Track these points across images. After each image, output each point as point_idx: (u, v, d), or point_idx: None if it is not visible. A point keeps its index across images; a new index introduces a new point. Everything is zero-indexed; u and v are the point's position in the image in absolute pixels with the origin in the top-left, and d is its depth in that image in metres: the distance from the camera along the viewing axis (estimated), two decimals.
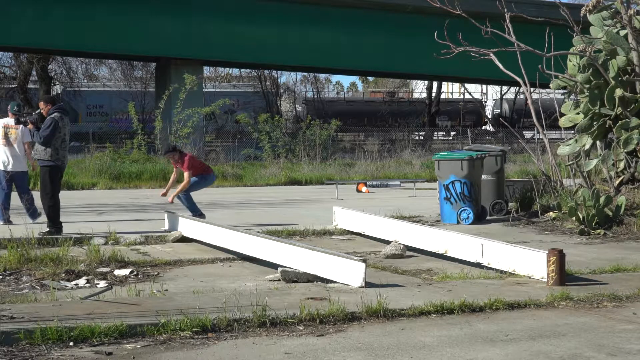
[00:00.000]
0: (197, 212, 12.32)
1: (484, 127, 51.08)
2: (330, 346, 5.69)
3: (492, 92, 56.39)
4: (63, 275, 8.28)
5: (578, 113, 13.34)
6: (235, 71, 55.10)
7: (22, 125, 12.37)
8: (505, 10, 13.25)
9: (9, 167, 12.57)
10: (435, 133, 50.13)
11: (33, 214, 12.31)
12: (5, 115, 13.11)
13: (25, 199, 12.53)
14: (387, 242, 10.34)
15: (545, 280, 7.72)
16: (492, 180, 13.59)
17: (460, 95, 57.74)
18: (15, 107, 12.79)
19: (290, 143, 31.44)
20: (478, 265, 8.88)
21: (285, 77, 58.89)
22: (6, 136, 12.61)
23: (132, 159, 25.53)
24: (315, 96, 50.28)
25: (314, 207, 15.77)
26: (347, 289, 7.34)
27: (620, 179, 12.97)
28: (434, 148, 37.08)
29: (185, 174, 12.28)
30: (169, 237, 10.90)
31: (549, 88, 14.31)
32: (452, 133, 49.29)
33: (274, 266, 8.48)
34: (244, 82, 51.89)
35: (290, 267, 8.19)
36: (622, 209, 12.09)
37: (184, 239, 10.76)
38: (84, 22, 30.39)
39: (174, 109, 28.26)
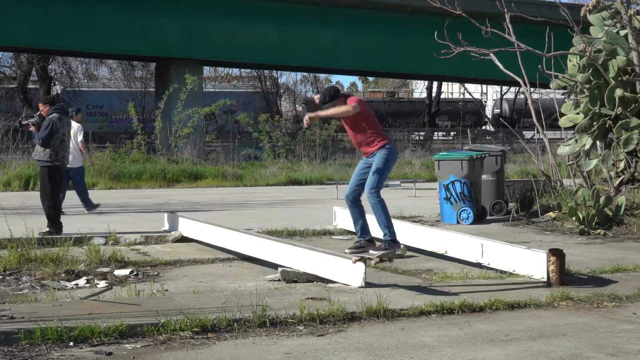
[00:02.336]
0: None
1: (484, 127, 51.07)
2: (330, 346, 5.69)
3: (492, 92, 56.39)
4: (63, 275, 8.28)
5: (578, 113, 13.34)
6: (235, 71, 55.14)
7: (75, 125, 14.20)
8: (505, 10, 13.24)
9: (70, 165, 13.52)
10: (435, 133, 50.12)
11: (87, 206, 14.23)
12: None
13: (79, 193, 14.27)
14: None
15: (545, 280, 7.71)
16: (492, 180, 13.59)
17: (460, 95, 57.74)
18: (75, 109, 14.83)
19: (290, 143, 31.45)
20: (478, 265, 8.88)
21: (285, 77, 58.97)
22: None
23: (132, 159, 25.53)
24: None
25: (314, 207, 15.77)
26: (347, 289, 7.34)
27: (620, 179, 12.97)
28: (434, 148, 37.09)
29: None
30: (169, 237, 10.90)
31: (549, 88, 14.30)
32: (452, 133, 49.28)
33: (274, 266, 8.48)
34: (244, 82, 51.87)
35: (290, 267, 8.19)
36: (622, 209, 12.09)
37: (184, 239, 10.76)
38: (84, 22, 30.39)
39: (174, 109, 28.27)
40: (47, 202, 11.05)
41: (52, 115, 11.10)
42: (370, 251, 7.34)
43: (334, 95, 7.76)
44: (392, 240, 7.44)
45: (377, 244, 8.13)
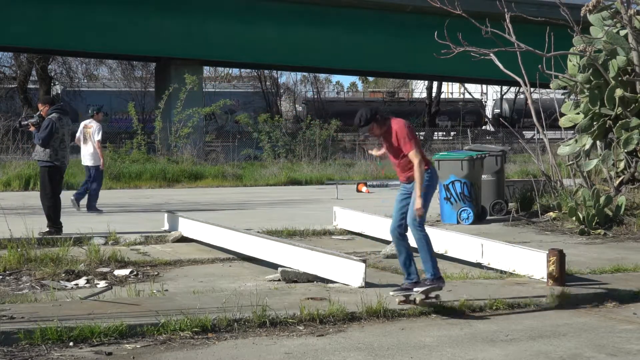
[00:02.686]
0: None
1: (484, 127, 51.05)
2: (330, 346, 5.69)
3: (492, 92, 56.36)
4: (63, 275, 8.28)
5: (578, 113, 13.34)
6: (235, 71, 55.12)
7: (95, 124, 14.64)
8: (505, 10, 13.24)
9: (85, 163, 14.77)
10: (435, 133, 50.11)
11: (91, 206, 14.32)
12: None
13: (93, 191, 14.53)
14: (387, 242, 10.32)
15: (546, 280, 7.71)
16: (492, 180, 13.58)
17: (460, 95, 57.72)
18: (96, 109, 15.30)
19: (290, 143, 31.44)
20: (478, 265, 8.88)
21: (285, 77, 58.91)
22: (84, 135, 14.72)
23: (132, 159, 25.51)
24: (315, 96, 50.28)
25: (314, 207, 15.77)
26: (347, 289, 7.34)
27: (620, 179, 12.97)
28: (434, 148, 37.07)
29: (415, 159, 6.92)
30: (169, 237, 10.89)
31: (549, 88, 14.30)
32: (452, 133, 49.27)
33: (274, 266, 8.48)
34: (244, 82, 51.86)
35: (290, 267, 8.19)
36: (622, 209, 12.09)
37: (184, 239, 10.75)
38: (84, 22, 30.37)
39: (174, 109, 28.25)
40: (47, 202, 11.05)
41: (52, 115, 11.10)
42: (415, 289, 6.72)
43: (370, 119, 6.90)
44: (436, 278, 6.74)
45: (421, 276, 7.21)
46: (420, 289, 6.71)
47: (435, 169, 7.23)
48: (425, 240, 6.82)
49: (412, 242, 6.99)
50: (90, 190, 14.53)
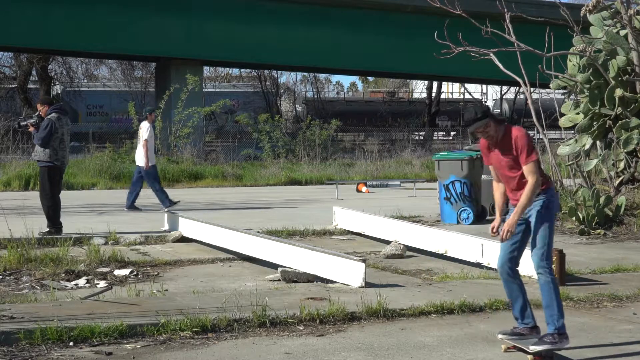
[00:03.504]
0: None
1: None
2: (330, 346, 5.69)
3: (492, 92, 56.38)
4: (63, 275, 8.28)
5: (578, 113, 13.33)
6: (235, 71, 55.12)
7: (144, 124, 14.96)
8: (505, 10, 13.24)
9: (137, 162, 15.10)
10: (435, 133, 50.12)
11: (164, 202, 14.63)
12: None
13: (154, 190, 14.95)
14: (387, 242, 10.34)
15: None
16: (492, 180, 13.57)
17: (460, 95, 57.73)
18: (149, 110, 15.81)
19: (290, 143, 31.44)
20: (478, 265, 8.88)
21: (285, 77, 58.94)
22: (138, 136, 15.39)
23: (132, 159, 25.49)
24: (315, 96, 50.28)
25: (314, 207, 15.77)
26: (347, 289, 7.34)
27: (620, 179, 12.97)
28: (434, 148, 37.09)
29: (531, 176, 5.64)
30: (169, 237, 10.89)
31: (549, 88, 14.30)
32: (452, 133, 49.27)
33: (274, 266, 8.48)
34: (244, 82, 51.88)
35: (290, 267, 8.20)
36: (622, 209, 12.09)
37: (184, 239, 10.76)
38: (84, 22, 30.38)
39: (174, 109, 28.25)
40: (46, 202, 11.04)
41: (51, 115, 11.10)
42: (531, 347, 5.40)
43: (487, 113, 5.62)
44: (560, 333, 5.42)
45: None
46: (540, 348, 5.41)
47: (554, 190, 5.80)
48: (553, 284, 5.56)
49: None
50: (156, 191, 14.91)
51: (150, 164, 14.81)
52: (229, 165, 26.56)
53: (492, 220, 5.90)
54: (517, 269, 5.75)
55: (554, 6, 14.69)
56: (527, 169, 5.51)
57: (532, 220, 5.59)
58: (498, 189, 5.88)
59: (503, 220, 5.72)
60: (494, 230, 5.74)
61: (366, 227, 11.36)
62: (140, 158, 14.87)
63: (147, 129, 14.90)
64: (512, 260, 5.74)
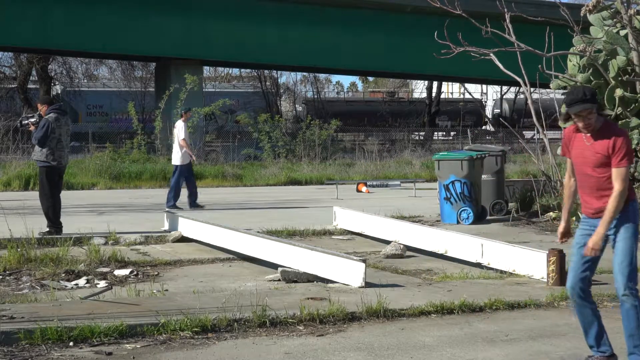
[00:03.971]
0: None
1: (484, 127, 51.03)
2: (330, 346, 5.69)
3: (492, 92, 56.35)
4: (63, 275, 8.28)
5: None
6: (235, 71, 55.12)
7: (179, 123, 15.20)
8: (505, 10, 13.24)
9: (173, 162, 15.32)
10: (435, 133, 50.10)
11: (192, 203, 15.01)
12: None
13: (188, 189, 15.10)
14: (387, 242, 10.34)
15: (545, 280, 7.72)
16: (492, 180, 13.59)
17: (460, 95, 57.71)
18: (185, 109, 15.96)
19: (290, 143, 31.44)
20: (478, 265, 8.88)
21: (285, 77, 58.92)
22: (174, 136, 15.41)
23: (132, 159, 25.52)
24: (315, 96, 50.26)
25: (314, 207, 15.77)
26: (347, 289, 7.34)
27: None
28: (434, 148, 37.06)
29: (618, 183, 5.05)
30: (169, 237, 10.89)
31: (549, 88, 14.29)
32: (452, 133, 49.26)
33: (274, 266, 8.48)
34: (244, 82, 51.85)
35: (290, 267, 8.20)
36: None
37: (184, 239, 10.76)
38: (84, 22, 30.37)
39: (174, 109, 28.25)
40: (45, 202, 11.04)
41: (49, 115, 11.10)
42: None
43: (595, 97, 5.02)
44: None
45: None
46: None
47: (637, 202, 5.12)
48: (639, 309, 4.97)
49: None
50: (173, 186, 14.92)
51: (186, 162, 15.06)
52: (229, 165, 26.55)
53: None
54: (590, 290, 5.20)
55: (554, 6, 14.69)
56: (616, 173, 4.92)
57: (614, 234, 5.02)
58: (568, 187, 5.27)
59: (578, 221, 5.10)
60: (563, 238, 5.25)
61: (366, 227, 11.36)
62: (177, 157, 15.07)
63: (181, 128, 15.14)
64: (584, 280, 5.14)
